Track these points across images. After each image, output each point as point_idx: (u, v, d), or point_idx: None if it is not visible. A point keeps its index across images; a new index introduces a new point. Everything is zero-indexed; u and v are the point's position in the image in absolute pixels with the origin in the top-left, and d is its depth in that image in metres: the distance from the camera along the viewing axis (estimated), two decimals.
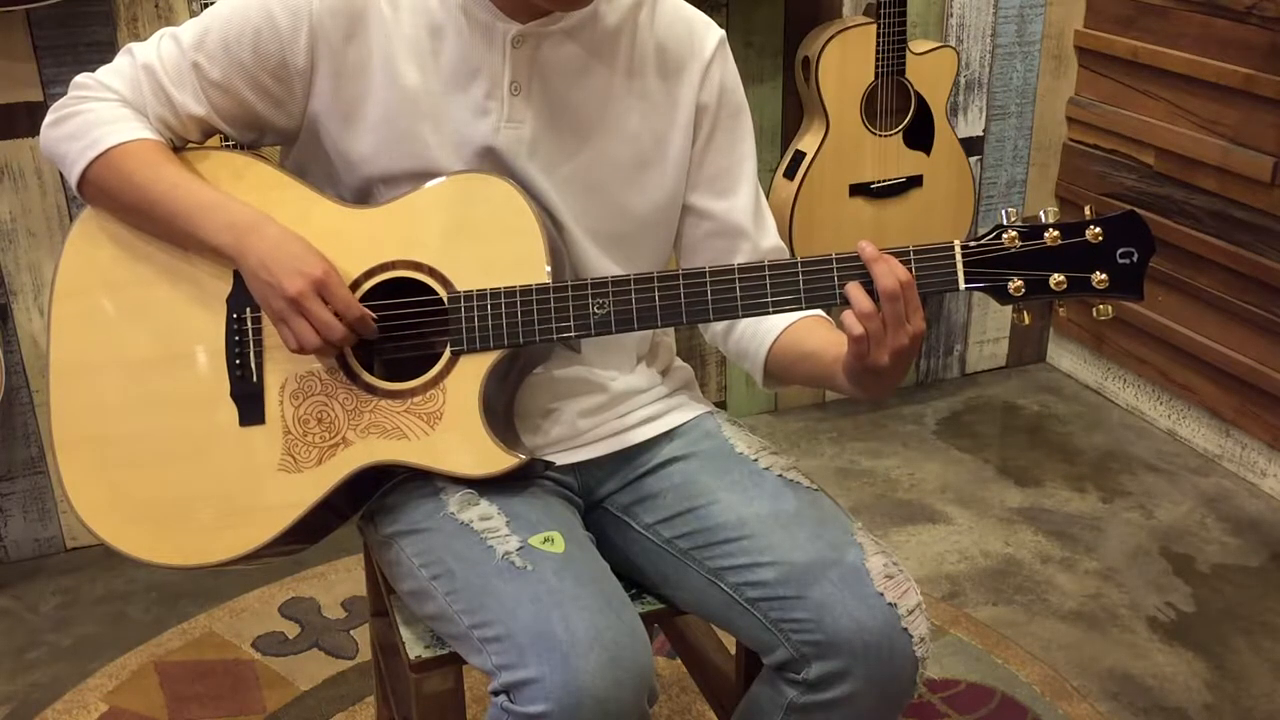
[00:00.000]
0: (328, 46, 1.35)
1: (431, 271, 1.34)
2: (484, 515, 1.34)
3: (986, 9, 2.91)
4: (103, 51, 2.28)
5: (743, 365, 1.52)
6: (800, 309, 1.27)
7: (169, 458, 1.38)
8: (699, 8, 1.48)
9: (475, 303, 1.33)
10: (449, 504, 1.37)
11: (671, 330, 1.62)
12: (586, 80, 1.39)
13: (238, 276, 1.37)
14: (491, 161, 1.38)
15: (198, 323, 1.38)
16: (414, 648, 1.42)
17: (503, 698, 1.23)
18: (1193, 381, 2.86)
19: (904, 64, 2.64)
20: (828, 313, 1.40)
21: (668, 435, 1.50)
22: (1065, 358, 3.28)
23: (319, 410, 1.36)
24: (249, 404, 1.37)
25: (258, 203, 1.36)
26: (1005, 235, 1.22)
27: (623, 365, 1.50)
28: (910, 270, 1.23)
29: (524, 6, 1.34)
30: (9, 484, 2.47)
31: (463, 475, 1.35)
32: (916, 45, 2.68)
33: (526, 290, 1.32)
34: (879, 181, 2.73)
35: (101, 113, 1.38)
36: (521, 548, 1.30)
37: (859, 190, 2.73)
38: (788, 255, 1.47)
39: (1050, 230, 1.21)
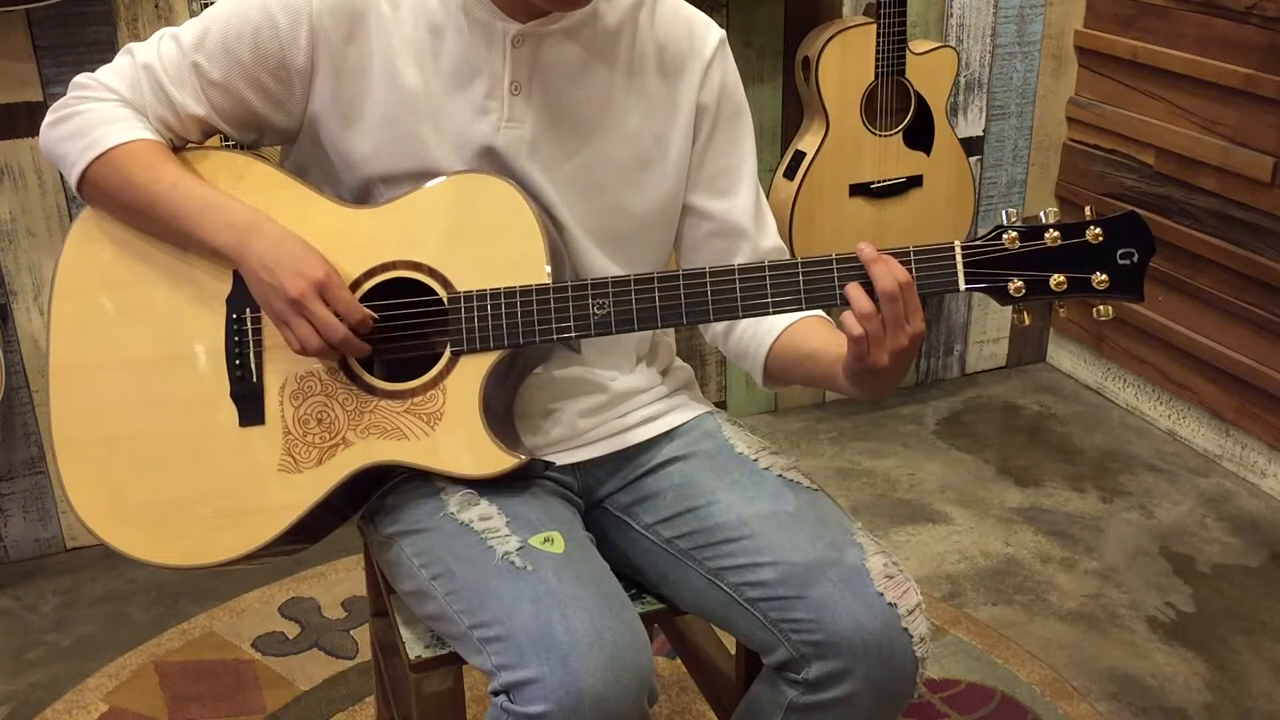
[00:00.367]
0: (327, 46, 1.35)
1: (431, 272, 1.34)
2: (484, 515, 1.34)
3: (986, 9, 2.91)
4: (103, 51, 2.28)
5: (742, 365, 1.52)
6: (800, 309, 1.27)
7: (169, 458, 1.38)
8: (699, 8, 1.48)
9: (475, 303, 1.33)
10: (449, 504, 1.37)
11: (671, 330, 1.62)
12: (587, 80, 1.39)
13: (237, 277, 1.37)
14: (491, 161, 1.38)
15: (197, 323, 1.38)
16: (414, 648, 1.42)
17: (503, 698, 1.23)
18: (1193, 381, 2.86)
19: (904, 64, 2.64)
20: (828, 313, 1.40)
21: (668, 435, 1.50)
22: (1065, 358, 3.28)
23: (319, 410, 1.36)
24: (249, 404, 1.37)
25: (258, 203, 1.36)
26: (1005, 236, 1.22)
27: (623, 365, 1.50)
28: (910, 271, 1.23)
29: (524, 6, 1.33)
30: (9, 484, 2.47)
31: (463, 475, 1.35)
32: (916, 45, 2.68)
33: (526, 290, 1.32)
34: (879, 181, 2.73)
35: (101, 113, 1.38)
36: (521, 548, 1.30)
37: (859, 190, 2.72)
38: (788, 255, 1.47)
39: (1050, 231, 1.21)
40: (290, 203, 1.37)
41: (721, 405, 3.01)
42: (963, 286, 1.24)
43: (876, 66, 2.63)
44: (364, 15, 1.35)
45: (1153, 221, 2.80)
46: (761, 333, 1.46)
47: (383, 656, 1.82)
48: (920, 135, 2.73)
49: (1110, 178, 2.99)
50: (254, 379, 1.37)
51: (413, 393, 1.34)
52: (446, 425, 1.33)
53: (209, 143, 1.44)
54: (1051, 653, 2.22)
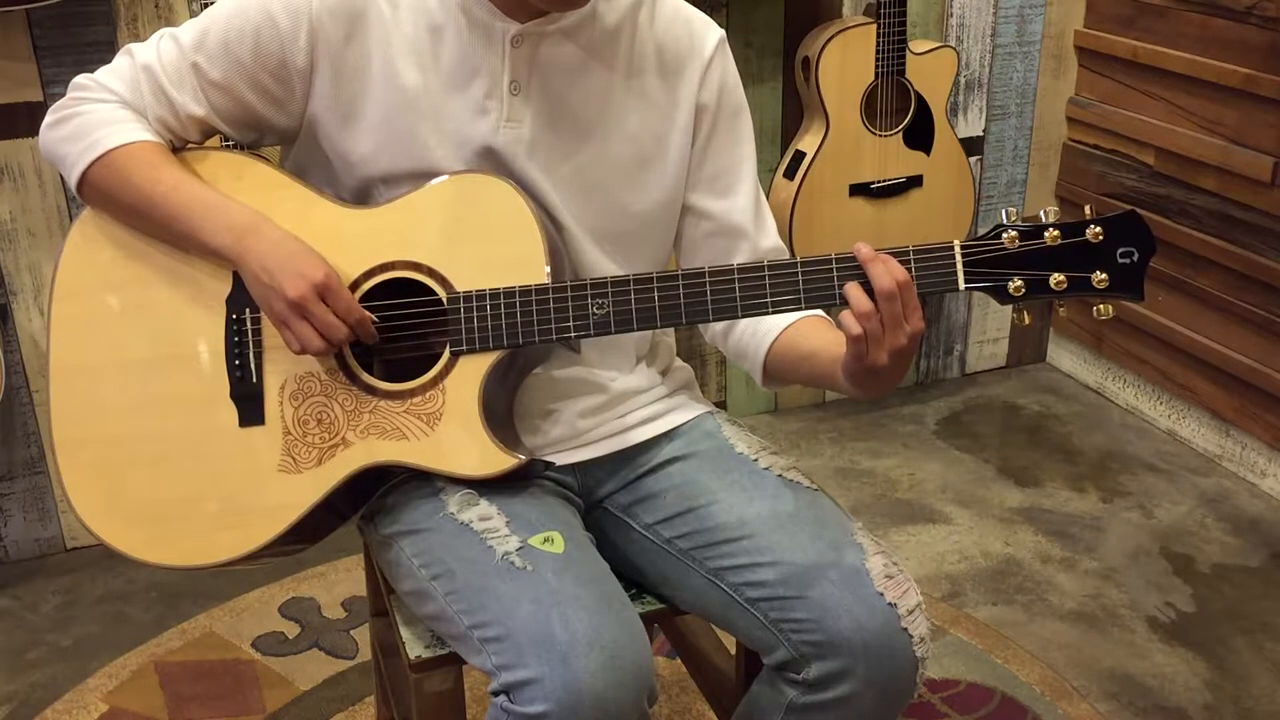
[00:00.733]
0: (327, 46, 1.35)
1: (431, 272, 1.34)
2: (484, 515, 1.34)
3: (986, 9, 2.91)
4: (103, 51, 2.28)
5: (742, 365, 1.51)
6: (800, 309, 1.27)
7: (169, 458, 1.38)
8: (699, 8, 1.48)
9: (475, 303, 1.33)
10: (449, 504, 1.37)
11: (671, 330, 1.62)
12: (586, 80, 1.39)
13: (237, 277, 1.37)
14: (491, 161, 1.38)
15: (197, 324, 1.38)
16: (414, 648, 1.42)
17: (502, 698, 1.23)
18: (1193, 381, 2.85)
19: (904, 64, 2.64)
20: (827, 313, 1.40)
21: (668, 435, 1.50)
22: (1065, 358, 3.28)
23: (318, 411, 1.36)
24: (248, 405, 1.37)
25: (257, 203, 1.36)
26: (1005, 235, 1.22)
27: (623, 365, 1.50)
28: (910, 270, 1.23)
29: (523, 6, 1.33)
30: (9, 484, 2.47)
31: (463, 475, 1.35)
32: (916, 45, 2.68)
33: (526, 290, 1.32)
34: (879, 181, 2.73)
35: (101, 114, 1.38)
36: (521, 548, 1.30)
37: (859, 190, 2.72)
38: (787, 256, 1.47)
39: (1050, 230, 1.21)
40: (290, 203, 1.37)
41: (721, 405, 3.01)
42: (962, 286, 1.24)
43: (876, 66, 2.63)
44: (364, 15, 1.35)
45: (1153, 221, 2.80)
46: (761, 333, 1.46)
47: (383, 656, 1.82)
48: (920, 135, 2.73)
49: (1110, 178, 2.99)
50: (254, 379, 1.37)
51: (412, 393, 1.34)
52: (446, 425, 1.33)
53: (209, 143, 1.44)
54: (1051, 653, 2.22)
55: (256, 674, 2.18)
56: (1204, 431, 2.86)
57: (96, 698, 2.13)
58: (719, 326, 1.52)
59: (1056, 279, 1.21)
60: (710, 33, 1.45)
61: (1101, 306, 1.23)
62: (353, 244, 1.36)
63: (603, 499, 1.50)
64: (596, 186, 1.41)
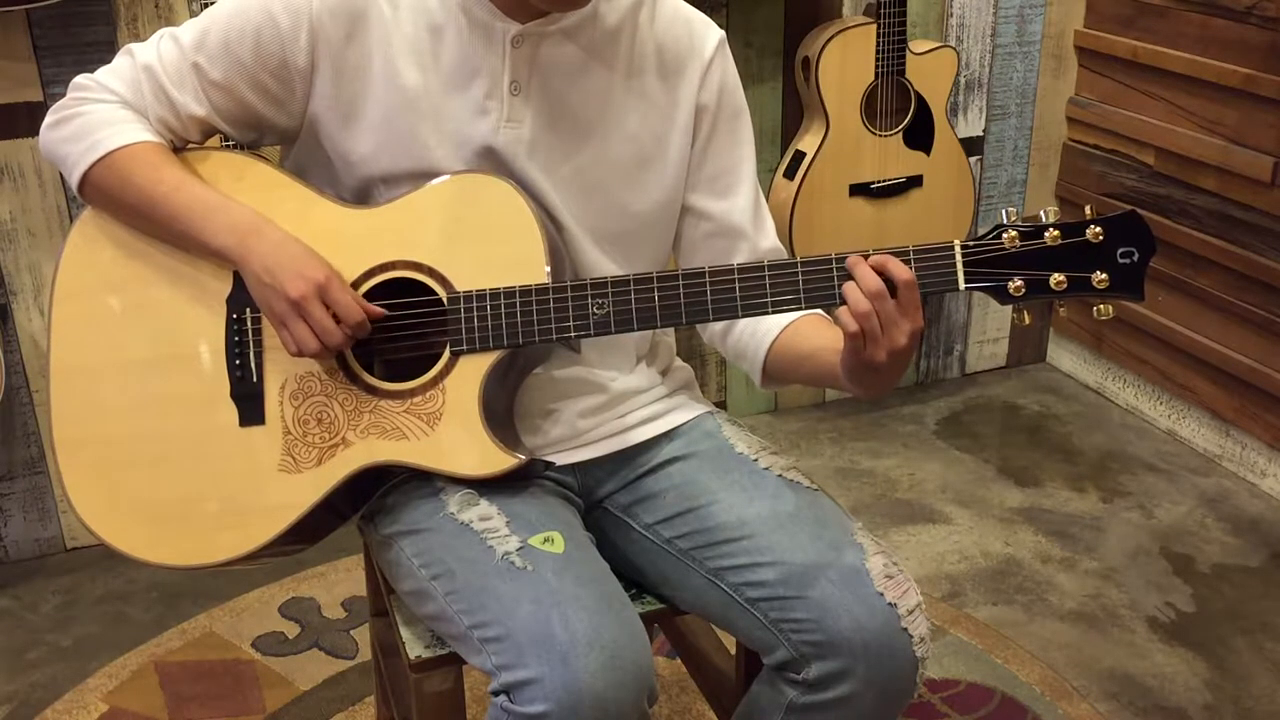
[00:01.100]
0: (328, 46, 1.35)
1: (431, 272, 1.34)
2: (484, 515, 1.34)
3: (986, 9, 2.91)
4: (103, 51, 2.28)
5: (740, 366, 1.51)
6: (800, 309, 1.27)
7: (169, 458, 1.38)
8: (699, 8, 1.48)
9: (475, 303, 1.33)
10: (449, 504, 1.37)
11: (671, 330, 1.62)
12: (586, 80, 1.39)
13: (237, 277, 1.37)
14: (491, 161, 1.38)
15: (198, 323, 1.38)
16: (414, 648, 1.42)
17: (503, 698, 1.23)
18: (1193, 381, 2.86)
19: (904, 64, 2.64)
20: (827, 313, 1.40)
21: (668, 435, 1.50)
22: (1065, 358, 3.28)
23: (319, 411, 1.36)
24: (249, 404, 1.37)
25: (258, 203, 1.36)
26: (1005, 235, 1.22)
27: (623, 365, 1.50)
28: (910, 269, 1.23)
29: (523, 6, 1.33)
30: (9, 484, 2.47)
31: (463, 475, 1.35)
32: (916, 45, 2.68)
33: (526, 290, 1.32)
34: (879, 181, 2.73)
35: (102, 114, 1.38)
36: (521, 548, 1.30)
37: (859, 190, 2.72)
38: (786, 257, 1.47)
39: (1050, 230, 1.21)
40: (290, 203, 1.37)
41: (721, 405, 3.01)
42: (962, 286, 1.23)
43: (876, 66, 2.63)
44: (364, 15, 1.35)
45: (1153, 221, 2.80)
46: (760, 333, 1.46)
47: (383, 656, 1.82)
48: (920, 135, 2.73)
49: (1110, 178, 2.99)
50: (254, 379, 1.37)
51: (412, 393, 1.34)
52: (446, 425, 1.33)
53: (209, 143, 1.44)
54: (1051, 653, 2.22)
55: (256, 674, 2.18)
56: (1204, 431, 2.86)
57: (96, 698, 2.13)
58: (718, 327, 1.52)
59: (1056, 279, 1.21)
60: (710, 33, 1.45)
61: (1101, 306, 1.23)
62: (353, 244, 1.36)
63: (603, 499, 1.50)
64: (596, 187, 1.41)
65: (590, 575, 1.30)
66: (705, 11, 1.49)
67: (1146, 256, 1.21)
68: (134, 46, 1.40)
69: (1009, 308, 1.30)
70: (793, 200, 2.68)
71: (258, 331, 1.37)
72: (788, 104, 2.81)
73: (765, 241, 1.50)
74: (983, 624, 2.29)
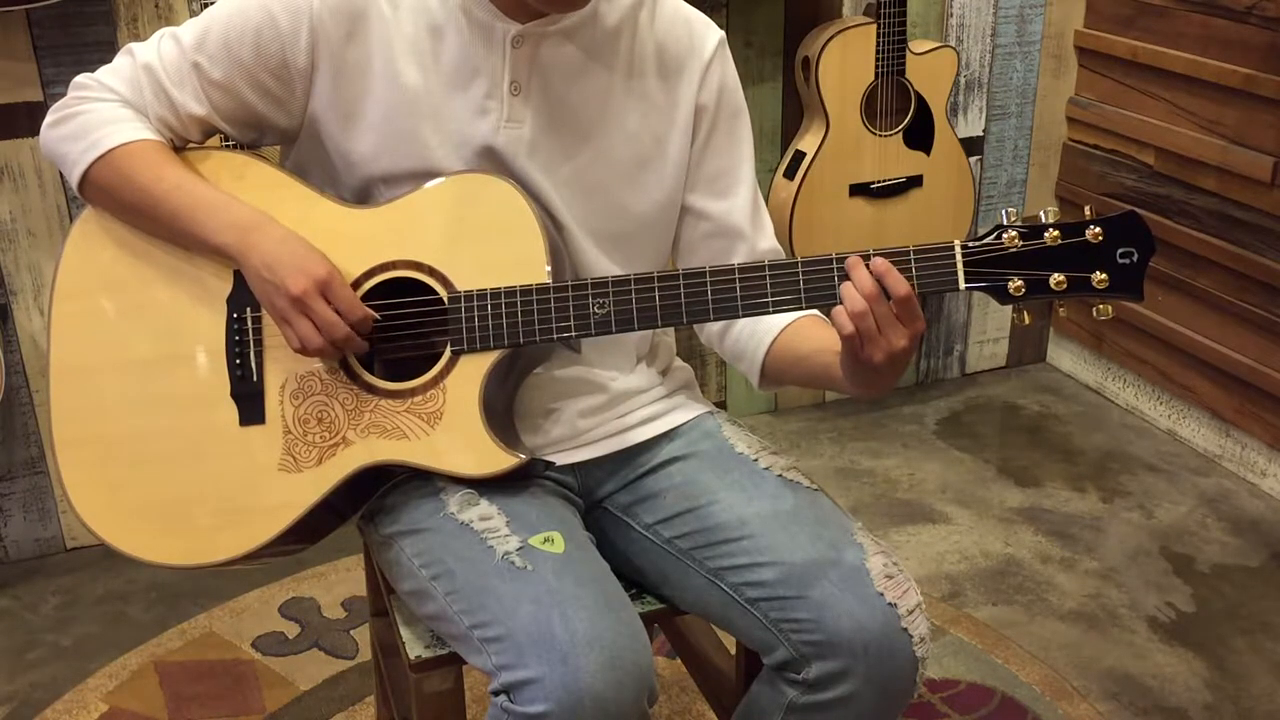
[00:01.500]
0: (328, 46, 1.35)
1: (432, 271, 1.34)
2: (484, 515, 1.34)
3: (986, 9, 2.91)
4: (103, 51, 2.28)
5: (738, 367, 1.51)
6: (800, 309, 1.27)
7: (169, 457, 1.38)
8: (699, 8, 1.48)
9: (475, 303, 1.33)
10: (449, 504, 1.37)
11: (671, 330, 1.62)
12: (586, 80, 1.39)
13: (238, 276, 1.37)
14: (491, 161, 1.38)
15: (198, 322, 1.38)
16: (414, 648, 1.42)
17: (503, 698, 1.23)
18: (1193, 381, 2.86)
19: (904, 64, 2.64)
20: (827, 313, 1.40)
21: (668, 435, 1.50)
22: (1065, 358, 3.28)
23: (319, 410, 1.36)
24: (249, 404, 1.37)
25: (258, 203, 1.36)
26: (1005, 235, 1.22)
27: (623, 365, 1.50)
28: (910, 270, 1.23)
29: (523, 7, 1.34)
30: (9, 484, 2.47)
31: (463, 475, 1.35)
32: (916, 45, 2.68)
33: (526, 290, 1.32)
34: (879, 181, 2.73)
35: (102, 113, 1.38)
36: (521, 548, 1.30)
37: (859, 190, 2.72)
38: (784, 257, 1.47)
39: (1050, 230, 1.21)
40: (291, 203, 1.37)
41: (721, 405, 3.01)
42: (962, 286, 1.23)
43: (876, 66, 2.63)
44: (364, 15, 1.35)
45: (1153, 221, 2.80)
46: (759, 334, 1.46)
47: (383, 656, 1.82)
48: (920, 135, 2.73)
49: (1110, 178, 2.99)
50: (254, 378, 1.37)
51: (413, 392, 1.34)
52: (446, 425, 1.33)
53: (209, 143, 1.44)
54: (1051, 653, 2.22)
55: (256, 674, 2.18)
56: (1204, 431, 2.86)
57: (96, 698, 2.13)
58: (716, 328, 1.52)
59: (1056, 279, 1.21)
60: (710, 33, 1.45)
61: (1101, 306, 1.23)
62: (354, 243, 1.36)
63: (603, 499, 1.50)
64: (596, 187, 1.41)
65: (590, 575, 1.30)
66: (705, 11, 1.49)
67: (1146, 257, 1.21)
68: (134, 46, 1.40)
69: (1009, 308, 1.30)
70: (793, 200, 2.68)
71: (258, 331, 1.37)
72: (788, 104, 2.81)
73: (764, 242, 1.50)
74: (983, 624, 2.29)
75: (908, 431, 2.99)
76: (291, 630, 2.29)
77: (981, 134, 3.03)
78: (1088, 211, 1.22)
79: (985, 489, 2.75)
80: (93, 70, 1.41)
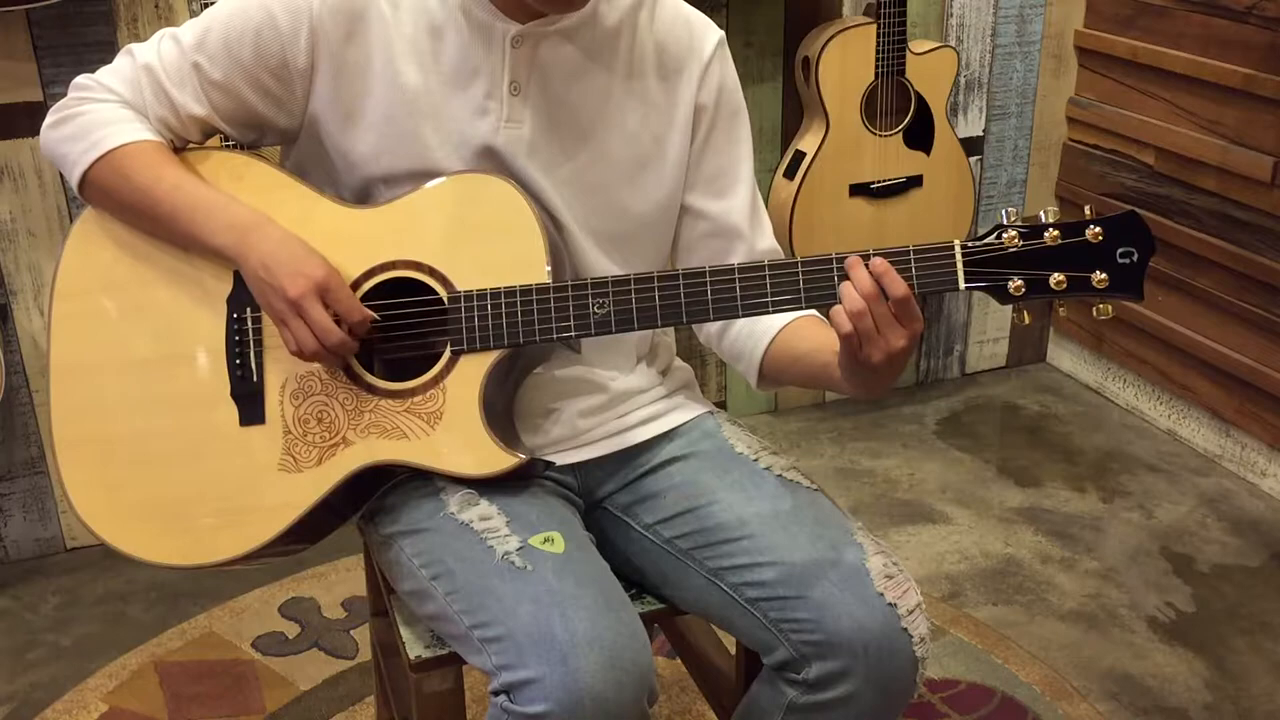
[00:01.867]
0: (328, 46, 1.35)
1: (432, 271, 1.34)
2: (484, 515, 1.34)
3: (986, 9, 2.91)
4: (103, 51, 2.28)
5: (737, 367, 1.51)
6: (800, 309, 1.27)
7: (169, 457, 1.38)
8: (699, 8, 1.48)
9: (475, 302, 1.33)
10: (449, 504, 1.37)
11: (671, 330, 1.62)
12: (586, 80, 1.39)
13: (238, 276, 1.37)
14: (491, 161, 1.38)
15: (198, 323, 1.38)
16: (414, 648, 1.42)
17: (503, 698, 1.23)
18: (1193, 381, 2.86)
19: (904, 64, 2.64)
20: (827, 313, 1.40)
21: (668, 435, 1.50)
22: (1065, 358, 3.28)
23: (319, 410, 1.36)
24: (249, 404, 1.37)
25: (258, 203, 1.36)
26: (1005, 235, 1.22)
27: (623, 365, 1.50)
28: (910, 270, 1.23)
29: (523, 7, 1.34)
30: (9, 484, 2.47)
31: (463, 475, 1.35)
32: (916, 45, 2.68)
33: (526, 290, 1.32)
34: (879, 181, 2.73)
35: (102, 114, 1.38)
36: (521, 548, 1.30)
37: (859, 190, 2.73)
38: (783, 257, 1.47)
39: (1050, 230, 1.21)
40: (291, 203, 1.37)
41: (721, 405, 3.01)
42: (962, 286, 1.23)
43: (876, 66, 2.63)
44: (364, 15, 1.35)
45: (1153, 221, 2.80)
46: (758, 334, 1.46)
47: (383, 656, 1.82)
48: (920, 135, 2.73)
49: (1110, 178, 2.99)
50: (254, 378, 1.37)
51: (413, 392, 1.34)
52: (447, 425, 1.33)
53: (209, 143, 1.44)
54: (1051, 653, 2.22)
55: (256, 674, 2.18)
56: (1204, 431, 2.87)
57: (96, 698, 2.13)
58: (714, 328, 1.52)
59: (1056, 279, 1.21)
60: (710, 33, 1.45)
61: (1101, 306, 1.23)
62: (354, 243, 1.36)
63: (603, 499, 1.50)
64: (596, 187, 1.41)
65: (590, 575, 1.30)
66: (705, 11, 1.49)
67: (1146, 256, 1.21)
68: (134, 46, 1.40)
69: (1009, 308, 1.30)
70: (793, 200, 2.68)
71: (258, 331, 1.37)
72: (788, 104, 2.81)
73: (763, 242, 1.50)
74: (983, 624, 2.29)
75: (908, 431, 2.99)
76: (291, 630, 2.29)
77: (981, 134, 3.03)
78: (1088, 211, 1.23)
79: (985, 489, 2.75)
80: (93, 70, 1.41)
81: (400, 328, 1.36)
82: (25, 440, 2.46)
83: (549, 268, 1.32)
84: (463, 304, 1.33)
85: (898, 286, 1.21)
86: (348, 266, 1.35)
